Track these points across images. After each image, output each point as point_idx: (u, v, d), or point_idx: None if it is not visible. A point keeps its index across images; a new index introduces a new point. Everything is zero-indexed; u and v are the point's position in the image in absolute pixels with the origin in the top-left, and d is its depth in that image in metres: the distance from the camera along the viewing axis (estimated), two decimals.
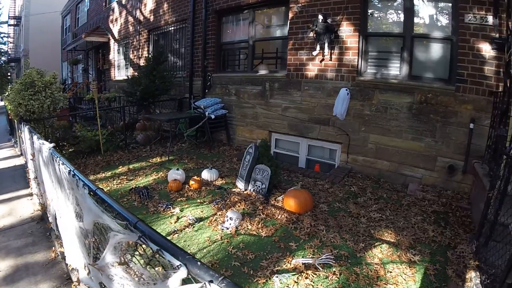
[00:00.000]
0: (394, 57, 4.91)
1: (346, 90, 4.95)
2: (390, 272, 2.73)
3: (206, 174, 4.84)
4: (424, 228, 3.45)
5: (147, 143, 6.77)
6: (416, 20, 4.68)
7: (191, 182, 4.51)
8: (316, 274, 2.68)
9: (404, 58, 4.75)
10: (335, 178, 4.74)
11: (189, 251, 2.93)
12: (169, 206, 3.91)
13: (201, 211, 3.80)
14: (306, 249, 3.03)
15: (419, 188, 4.53)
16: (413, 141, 4.68)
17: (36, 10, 21.26)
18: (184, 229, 3.42)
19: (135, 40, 10.08)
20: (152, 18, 9.09)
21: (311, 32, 5.25)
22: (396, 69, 4.88)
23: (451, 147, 4.44)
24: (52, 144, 2.80)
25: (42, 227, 3.95)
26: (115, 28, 11.68)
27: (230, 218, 3.41)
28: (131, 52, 10.36)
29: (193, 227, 3.46)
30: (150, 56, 7.09)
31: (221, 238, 3.22)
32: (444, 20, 4.58)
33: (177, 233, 3.34)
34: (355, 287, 2.54)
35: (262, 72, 6.27)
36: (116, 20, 11.61)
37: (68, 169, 2.24)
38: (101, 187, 1.85)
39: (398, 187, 4.66)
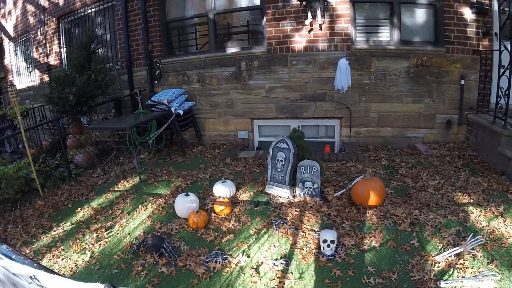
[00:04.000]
0: (383, 24, 4.84)
1: (347, 60, 4.63)
2: (499, 228, 2.81)
3: (221, 190, 3.62)
4: (476, 181, 3.66)
5: (91, 164, 4.92)
6: None
7: (219, 208, 3.34)
8: (467, 259, 2.47)
9: (394, 23, 4.72)
10: (358, 156, 4.51)
11: None
12: (225, 256, 2.67)
13: (273, 246, 2.80)
14: (429, 240, 2.73)
15: (427, 146, 4.77)
16: (413, 103, 4.83)
17: None
18: (283, 283, 2.40)
19: (39, 33, 7.37)
20: (61, 1, 6.65)
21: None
22: (386, 35, 4.83)
23: (446, 103, 4.79)
24: None
25: None
26: (10, 23, 8.57)
27: (332, 241, 2.64)
28: (34, 50, 7.68)
29: (291, 273, 2.48)
30: (78, 44, 4.95)
31: (341, 272, 2.45)
32: None
33: None
34: (498, 253, 2.51)
35: (233, 50, 5.26)
36: (9, 13, 8.51)
37: None
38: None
39: (409, 150, 4.81)
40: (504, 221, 2.89)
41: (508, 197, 3.29)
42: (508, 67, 3.61)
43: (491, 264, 2.42)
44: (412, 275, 2.37)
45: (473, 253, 2.51)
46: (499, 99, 3.86)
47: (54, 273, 0.90)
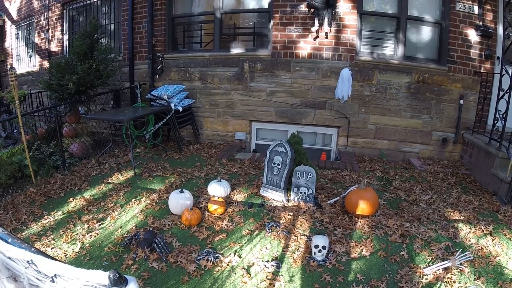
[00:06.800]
0: (388, 38, 4.90)
1: (349, 70, 4.67)
2: (487, 246, 2.86)
3: (216, 189, 3.59)
4: (467, 199, 3.72)
5: (85, 154, 4.87)
6: (410, 2, 4.71)
7: (213, 206, 3.32)
8: (455, 274, 2.50)
9: (399, 38, 4.78)
10: (353, 166, 4.54)
11: None
12: (217, 255, 2.66)
13: (265, 248, 2.80)
14: (418, 253, 2.76)
15: (422, 162, 4.82)
16: (411, 118, 4.89)
17: None
18: (273, 285, 2.38)
19: (42, 18, 7.29)
20: None
21: (305, 6, 4.63)
22: (390, 49, 4.88)
23: (444, 121, 4.85)
24: None
25: None
26: (13, 6, 8.46)
27: (323, 247, 2.66)
28: (36, 35, 7.60)
29: (281, 276, 2.47)
30: (82, 32, 4.89)
31: (331, 278, 2.46)
32: (434, 6, 4.78)
33: None
34: (485, 270, 2.56)
35: (237, 50, 5.27)
36: None
37: None
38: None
39: (403, 164, 4.85)
40: (493, 240, 2.94)
41: (498, 217, 3.35)
42: (508, 91, 3.68)
43: (478, 280, 2.45)
44: (400, 285, 2.39)
45: (461, 268, 2.54)
46: (496, 121, 3.93)
47: (52, 258, 0.88)
